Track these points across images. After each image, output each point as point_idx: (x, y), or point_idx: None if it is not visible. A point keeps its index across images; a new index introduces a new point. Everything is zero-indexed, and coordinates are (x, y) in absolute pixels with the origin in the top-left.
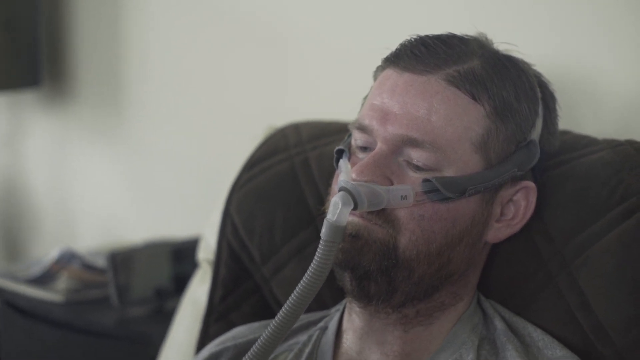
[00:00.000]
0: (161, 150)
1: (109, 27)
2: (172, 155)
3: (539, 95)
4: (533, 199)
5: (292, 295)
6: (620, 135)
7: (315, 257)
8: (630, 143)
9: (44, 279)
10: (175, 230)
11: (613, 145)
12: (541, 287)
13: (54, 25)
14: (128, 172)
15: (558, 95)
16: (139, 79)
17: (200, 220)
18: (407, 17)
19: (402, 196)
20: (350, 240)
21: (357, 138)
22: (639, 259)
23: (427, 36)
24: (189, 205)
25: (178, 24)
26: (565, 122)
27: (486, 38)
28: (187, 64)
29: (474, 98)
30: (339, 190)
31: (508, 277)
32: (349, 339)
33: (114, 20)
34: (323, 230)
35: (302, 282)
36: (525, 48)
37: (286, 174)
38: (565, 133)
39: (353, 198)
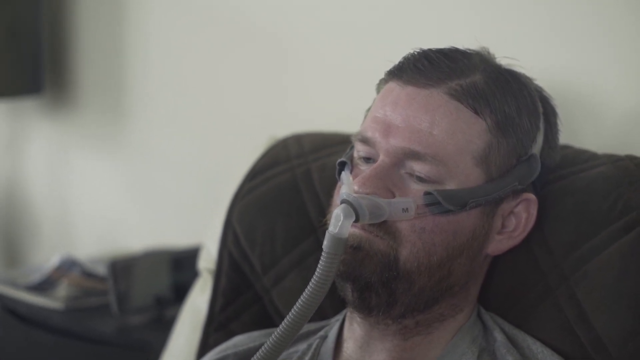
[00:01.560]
0: (162, 158)
1: (110, 34)
2: (174, 163)
3: (540, 109)
4: (534, 211)
5: (295, 307)
6: (620, 150)
7: (317, 269)
8: (631, 158)
9: (44, 285)
10: (175, 238)
11: (613, 160)
12: (540, 300)
13: (56, 32)
14: (129, 180)
15: (559, 110)
16: (140, 87)
17: (200, 228)
18: (412, 29)
19: (403, 209)
20: (352, 252)
21: (360, 150)
22: (638, 273)
23: (430, 50)
24: (189, 214)
25: (180, 33)
26: (566, 136)
27: (488, 52)
28: (189, 72)
29: (476, 112)
30: (341, 203)
31: (508, 289)
32: (349, 348)
33: (115, 28)
34: (325, 242)
35: (304, 293)
36: (527, 63)
37: (288, 184)
38: (566, 147)
39: (355, 210)
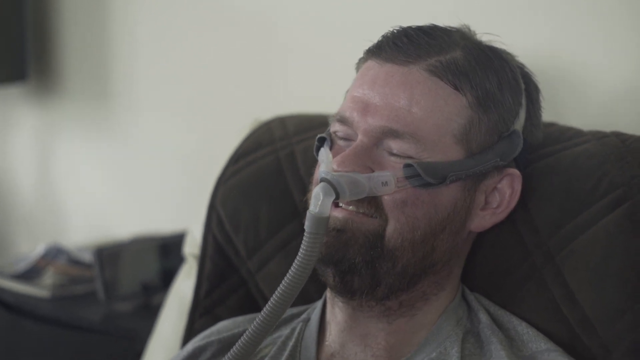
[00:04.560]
0: (148, 144)
1: (95, 21)
2: (160, 149)
3: (522, 86)
4: (518, 187)
5: (279, 289)
6: (606, 126)
7: (301, 250)
8: (616, 135)
9: (30, 274)
10: (162, 224)
11: (598, 137)
12: (526, 279)
13: (41, 19)
14: (115, 167)
15: (544, 88)
16: (125, 73)
17: (187, 214)
18: (397, 9)
19: (383, 182)
20: (336, 235)
21: (338, 130)
22: (624, 251)
23: (409, 27)
24: (176, 200)
25: (164, 19)
26: (551, 114)
27: (469, 29)
28: (174, 58)
29: (456, 88)
30: (320, 181)
31: (493, 268)
32: (332, 332)
33: (100, 14)
34: (306, 222)
35: (288, 275)
36: (511, 40)
37: (271, 167)
38: (551, 125)
39: (334, 188)
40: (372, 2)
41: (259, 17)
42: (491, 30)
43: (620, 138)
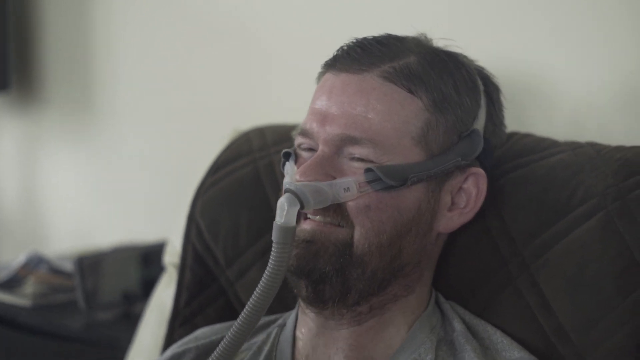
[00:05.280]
0: (130, 154)
1: (77, 30)
2: (141, 159)
3: (481, 87)
4: (484, 186)
5: (251, 299)
6: (574, 137)
7: (270, 261)
8: (591, 145)
9: (11, 283)
10: (143, 234)
11: (574, 147)
12: (501, 288)
13: (23, 29)
14: (96, 177)
15: (517, 99)
16: (107, 83)
17: (168, 224)
18: (376, 21)
19: (345, 189)
20: (305, 246)
21: (302, 142)
22: (598, 260)
23: (364, 38)
24: (157, 209)
25: (145, 29)
26: (519, 124)
27: (425, 37)
28: (156, 68)
29: (410, 92)
30: (285, 192)
31: (469, 277)
32: (304, 336)
33: (82, 24)
34: (273, 233)
35: (259, 286)
36: (476, 51)
37: (250, 177)
38: (527, 136)
39: (298, 198)
40: (352, 13)
41: (239, 28)
42: (461, 40)
43: (595, 148)
